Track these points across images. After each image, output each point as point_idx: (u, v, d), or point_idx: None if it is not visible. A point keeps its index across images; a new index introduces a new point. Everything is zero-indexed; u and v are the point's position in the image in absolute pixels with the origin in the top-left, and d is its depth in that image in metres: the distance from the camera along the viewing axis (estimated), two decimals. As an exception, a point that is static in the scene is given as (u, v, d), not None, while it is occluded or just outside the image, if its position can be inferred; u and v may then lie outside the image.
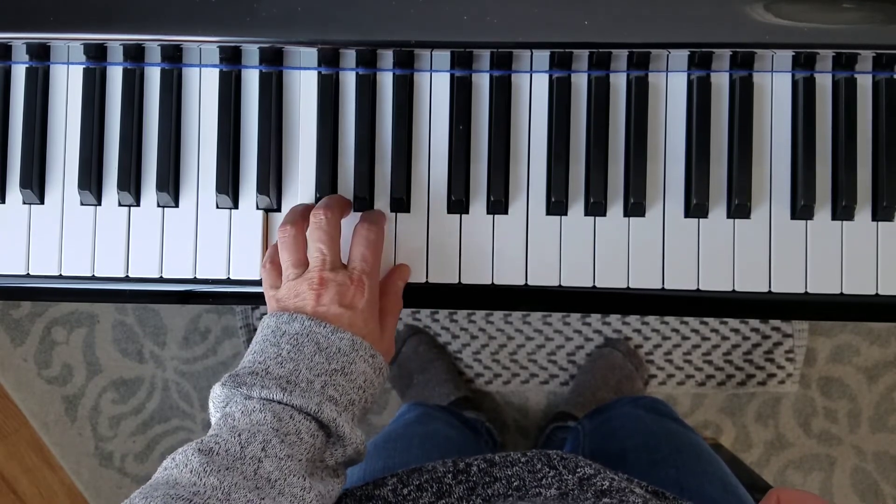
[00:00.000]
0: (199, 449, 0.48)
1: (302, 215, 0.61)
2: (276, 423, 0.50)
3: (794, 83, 0.65)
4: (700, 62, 0.64)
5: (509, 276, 0.65)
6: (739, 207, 0.64)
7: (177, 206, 0.66)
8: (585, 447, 0.91)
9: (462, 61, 0.65)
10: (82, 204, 0.66)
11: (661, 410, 0.93)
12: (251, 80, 0.66)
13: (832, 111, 0.64)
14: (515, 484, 0.54)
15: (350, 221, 0.64)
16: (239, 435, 0.49)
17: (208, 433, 0.51)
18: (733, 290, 0.64)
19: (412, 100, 0.66)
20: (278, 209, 0.66)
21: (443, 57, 0.65)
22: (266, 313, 0.59)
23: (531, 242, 0.65)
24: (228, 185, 0.65)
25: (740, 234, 0.64)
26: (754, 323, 1.42)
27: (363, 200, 0.65)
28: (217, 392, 0.54)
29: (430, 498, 0.54)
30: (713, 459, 0.78)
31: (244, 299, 0.67)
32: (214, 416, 0.54)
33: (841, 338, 1.42)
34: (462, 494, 0.54)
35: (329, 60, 0.65)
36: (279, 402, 0.52)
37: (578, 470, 0.55)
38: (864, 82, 0.64)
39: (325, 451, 0.54)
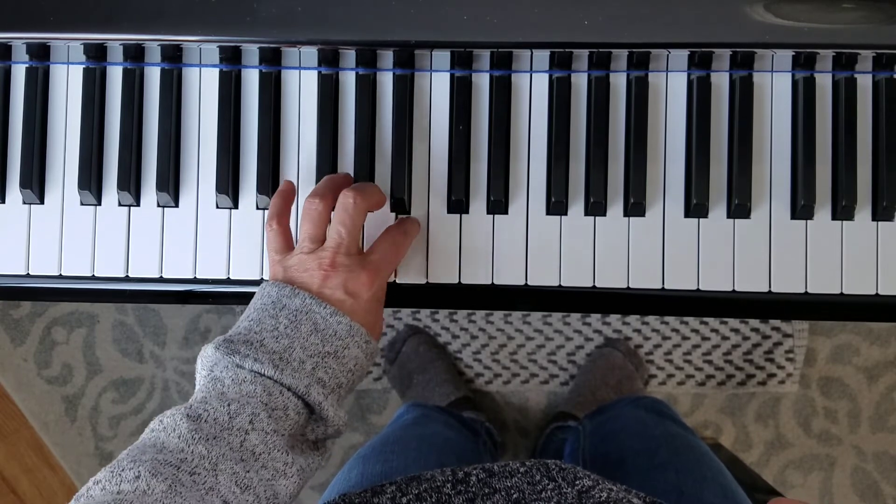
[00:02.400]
0: (187, 415, 0.49)
1: (332, 189, 0.60)
2: (265, 396, 0.51)
3: (794, 83, 0.65)
4: (700, 62, 0.64)
5: (509, 276, 0.65)
6: (739, 207, 0.64)
7: (177, 205, 0.66)
8: (586, 448, 0.91)
9: (462, 61, 0.65)
10: (82, 204, 0.66)
11: (661, 412, 0.93)
12: (251, 80, 0.66)
13: (832, 111, 0.64)
14: (515, 496, 0.54)
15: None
16: (228, 404, 0.50)
17: (196, 397, 0.51)
18: (733, 290, 0.64)
19: (412, 100, 0.66)
20: (278, 209, 0.66)
21: (443, 57, 0.65)
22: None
23: (531, 242, 0.65)
24: (228, 184, 0.65)
25: (740, 234, 0.64)
26: (754, 323, 1.42)
27: (363, 200, 0.65)
28: (209, 353, 0.54)
29: None
30: (713, 463, 0.78)
31: (244, 299, 0.67)
32: (200, 373, 0.54)
33: (841, 338, 1.42)
34: None
35: (329, 60, 0.65)
36: (270, 378, 0.52)
37: (577, 482, 0.55)
38: (864, 82, 0.64)
39: (306, 426, 0.55)
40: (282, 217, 0.61)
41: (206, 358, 0.54)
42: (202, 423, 0.48)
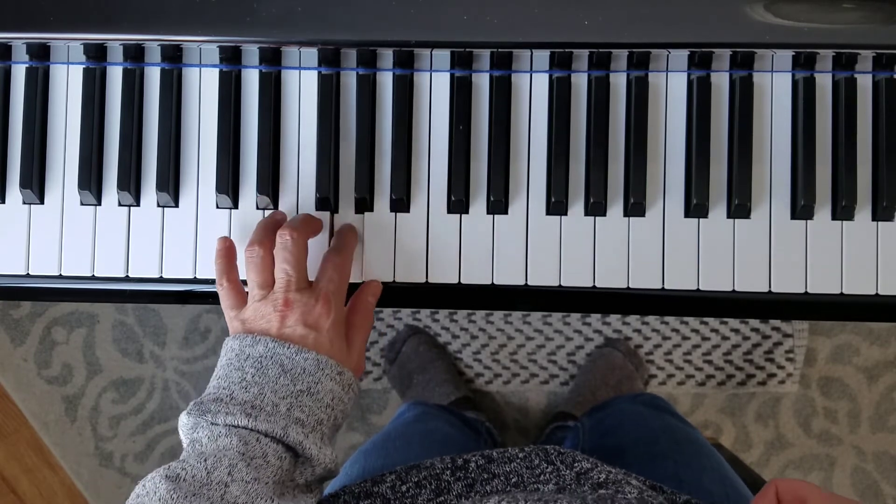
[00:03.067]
0: (166, 476, 0.49)
1: (268, 233, 0.60)
2: (242, 447, 0.51)
3: (794, 83, 0.65)
4: (700, 62, 0.64)
5: (509, 276, 0.65)
6: (739, 207, 0.64)
7: (177, 205, 0.66)
8: (585, 444, 0.91)
9: (462, 61, 0.65)
10: (82, 204, 0.66)
11: (659, 406, 0.93)
12: (251, 80, 0.66)
13: (832, 111, 0.64)
14: (514, 480, 0.54)
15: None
16: (205, 460, 0.50)
17: (178, 459, 0.51)
18: (733, 290, 0.64)
19: (412, 100, 0.66)
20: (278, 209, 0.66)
21: (443, 57, 0.65)
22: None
23: (531, 242, 0.65)
24: (228, 184, 0.65)
25: (740, 234, 0.64)
26: (754, 323, 1.42)
27: (363, 200, 0.65)
28: (184, 421, 0.54)
29: (428, 495, 0.54)
30: (712, 453, 0.78)
31: (244, 299, 0.67)
32: (183, 441, 0.55)
33: (841, 338, 1.42)
34: (461, 491, 0.54)
35: (329, 60, 0.65)
36: (245, 428, 0.52)
37: (576, 465, 0.55)
38: (864, 82, 0.64)
39: (294, 470, 0.54)
40: (230, 273, 0.61)
41: (183, 425, 0.54)
42: (181, 482, 0.48)
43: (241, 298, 0.60)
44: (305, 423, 0.53)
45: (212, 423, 0.52)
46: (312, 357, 0.55)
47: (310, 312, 0.57)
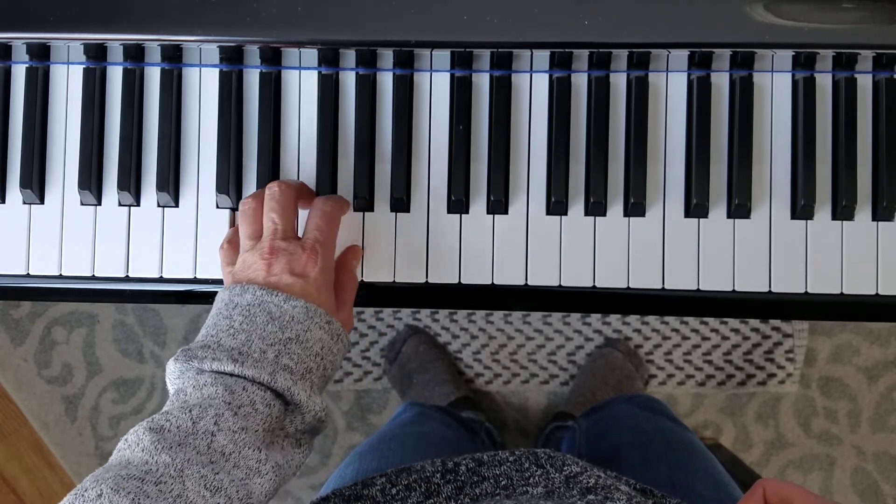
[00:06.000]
0: (149, 427, 0.48)
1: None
2: (228, 396, 0.50)
3: (794, 83, 0.65)
4: (700, 62, 0.64)
5: (509, 276, 0.65)
6: (739, 207, 0.64)
7: (177, 205, 0.66)
8: (581, 445, 0.92)
9: (462, 61, 0.65)
10: (82, 204, 0.66)
11: (655, 408, 0.93)
12: (251, 80, 0.66)
13: (832, 111, 0.64)
14: (503, 483, 0.54)
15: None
16: (190, 411, 0.49)
17: (161, 411, 0.51)
18: (733, 290, 0.64)
19: (412, 100, 0.66)
20: (278, 209, 0.66)
21: (443, 57, 0.65)
22: None
23: (531, 242, 0.65)
24: (228, 184, 0.65)
25: (740, 234, 0.64)
26: (754, 323, 1.42)
27: (363, 200, 0.65)
28: (171, 368, 0.53)
29: (418, 497, 0.54)
30: (706, 457, 0.78)
31: (244, 299, 0.67)
32: (170, 390, 0.54)
33: (841, 338, 1.42)
34: (450, 494, 0.54)
35: (329, 60, 0.65)
36: (231, 374, 0.51)
37: (565, 468, 0.55)
38: (864, 82, 0.64)
39: (283, 418, 0.54)
40: (233, 237, 0.62)
41: (170, 372, 0.53)
42: (165, 433, 0.48)
43: (237, 257, 0.60)
44: (294, 371, 0.53)
45: (198, 371, 0.52)
46: (301, 305, 0.55)
47: (296, 261, 0.57)
